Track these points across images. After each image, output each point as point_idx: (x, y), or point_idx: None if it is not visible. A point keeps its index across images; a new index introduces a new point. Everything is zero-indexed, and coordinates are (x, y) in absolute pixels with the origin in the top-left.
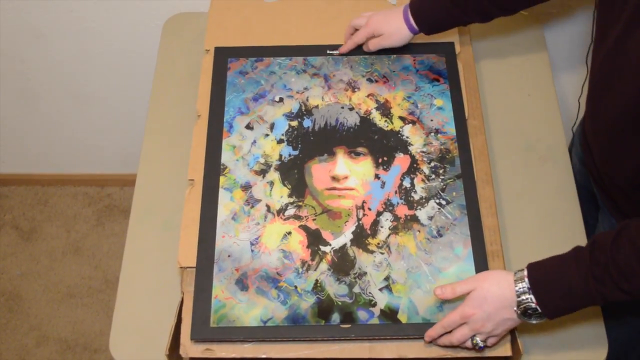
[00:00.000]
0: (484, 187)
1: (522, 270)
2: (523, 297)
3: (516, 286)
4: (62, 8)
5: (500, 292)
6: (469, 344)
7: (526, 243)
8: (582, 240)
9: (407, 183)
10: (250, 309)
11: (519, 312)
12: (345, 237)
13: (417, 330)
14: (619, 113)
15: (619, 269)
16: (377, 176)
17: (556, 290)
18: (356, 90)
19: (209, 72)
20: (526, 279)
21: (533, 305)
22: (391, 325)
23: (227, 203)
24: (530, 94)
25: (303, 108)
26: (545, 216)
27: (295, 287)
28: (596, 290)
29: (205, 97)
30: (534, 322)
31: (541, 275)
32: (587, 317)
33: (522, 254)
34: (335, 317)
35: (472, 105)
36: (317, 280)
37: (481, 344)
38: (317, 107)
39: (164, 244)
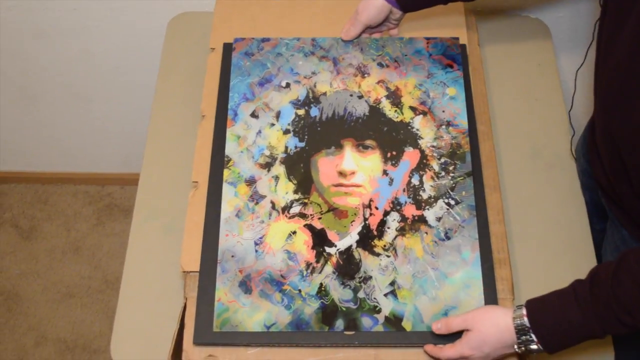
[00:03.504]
0: (491, 193)
1: (521, 308)
2: (523, 337)
3: (515, 326)
4: (64, 6)
5: (500, 335)
6: None
7: (533, 250)
8: (588, 248)
9: (415, 180)
10: (254, 313)
11: (519, 351)
12: (351, 238)
13: (420, 339)
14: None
15: (621, 304)
16: (385, 172)
17: (557, 328)
18: (366, 75)
19: (213, 70)
20: (525, 319)
21: (535, 346)
22: (395, 333)
23: (231, 199)
24: (537, 98)
25: (310, 95)
26: (552, 223)
27: (300, 290)
28: (598, 326)
29: (210, 97)
30: (534, 354)
31: (541, 315)
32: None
33: (529, 261)
34: (340, 324)
35: (479, 110)
36: (321, 284)
37: None
38: (325, 94)
39: (166, 247)
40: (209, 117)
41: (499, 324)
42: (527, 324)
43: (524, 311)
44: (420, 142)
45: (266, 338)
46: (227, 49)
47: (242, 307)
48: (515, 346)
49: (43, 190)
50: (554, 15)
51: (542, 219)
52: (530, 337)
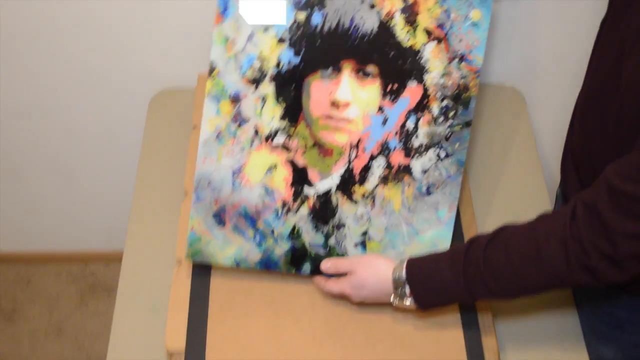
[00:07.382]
0: None
1: (402, 263)
2: (398, 290)
3: (393, 279)
4: (46, 86)
5: (378, 283)
6: None
7: None
8: None
9: (411, 123)
10: (225, 247)
11: (394, 302)
12: (332, 180)
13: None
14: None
15: (488, 267)
16: (381, 109)
17: (429, 285)
18: None
19: (196, 147)
20: (404, 272)
21: (408, 299)
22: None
23: (212, 118)
24: (514, 165)
25: None
26: None
27: (273, 230)
28: (465, 288)
29: (193, 174)
30: (407, 304)
31: (418, 271)
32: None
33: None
34: (306, 267)
35: None
36: (294, 226)
37: None
38: None
39: (151, 326)
40: (191, 195)
41: (379, 273)
42: (404, 278)
43: (404, 266)
44: (425, 77)
45: None
46: None
47: (214, 239)
48: (392, 297)
49: (25, 270)
50: (529, 84)
51: None
52: (405, 290)
